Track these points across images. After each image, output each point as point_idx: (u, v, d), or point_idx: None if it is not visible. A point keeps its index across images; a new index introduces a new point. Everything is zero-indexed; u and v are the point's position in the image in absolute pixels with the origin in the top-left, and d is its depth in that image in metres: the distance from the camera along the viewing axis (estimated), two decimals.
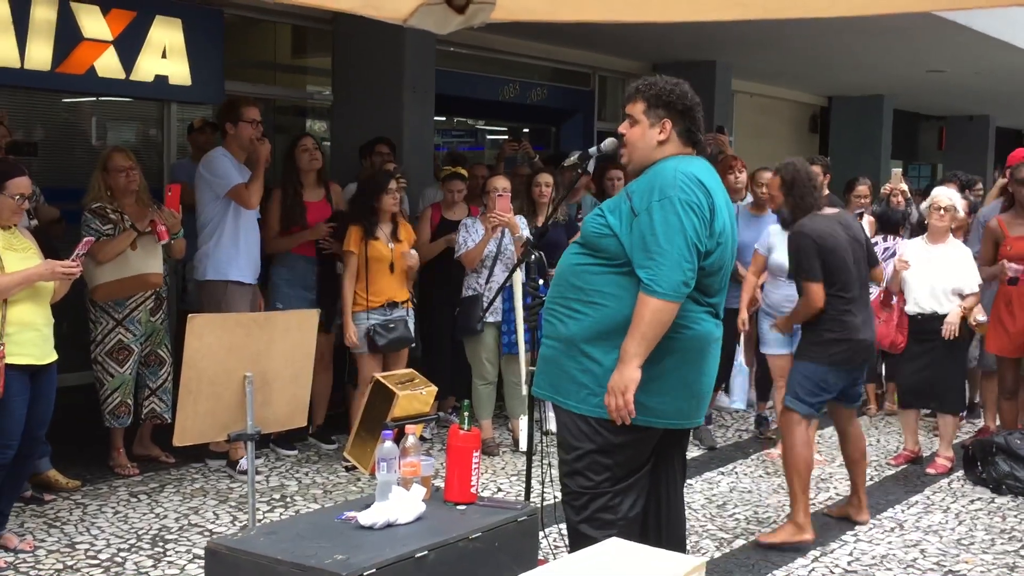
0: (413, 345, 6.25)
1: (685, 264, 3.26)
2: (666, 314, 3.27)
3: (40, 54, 6.57)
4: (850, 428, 5.31)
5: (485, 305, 6.18)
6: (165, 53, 7.19)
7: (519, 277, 4.90)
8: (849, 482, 5.44)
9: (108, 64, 6.88)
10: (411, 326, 6.16)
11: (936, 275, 6.19)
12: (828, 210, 5.14)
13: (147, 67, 7.08)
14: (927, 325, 6.22)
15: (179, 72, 7.29)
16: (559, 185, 6.78)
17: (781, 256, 5.61)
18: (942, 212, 6.24)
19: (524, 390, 5.23)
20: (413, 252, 6.14)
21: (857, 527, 5.29)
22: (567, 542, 3.73)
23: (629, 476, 3.50)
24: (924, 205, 6.61)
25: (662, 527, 3.66)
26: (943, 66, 12.07)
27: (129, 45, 6.94)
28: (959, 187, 7.50)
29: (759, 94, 14.00)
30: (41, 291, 4.48)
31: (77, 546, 4.74)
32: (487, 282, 6.32)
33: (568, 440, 3.52)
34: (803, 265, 4.94)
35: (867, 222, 7.56)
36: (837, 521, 5.35)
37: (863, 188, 7.73)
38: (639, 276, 3.29)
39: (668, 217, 3.27)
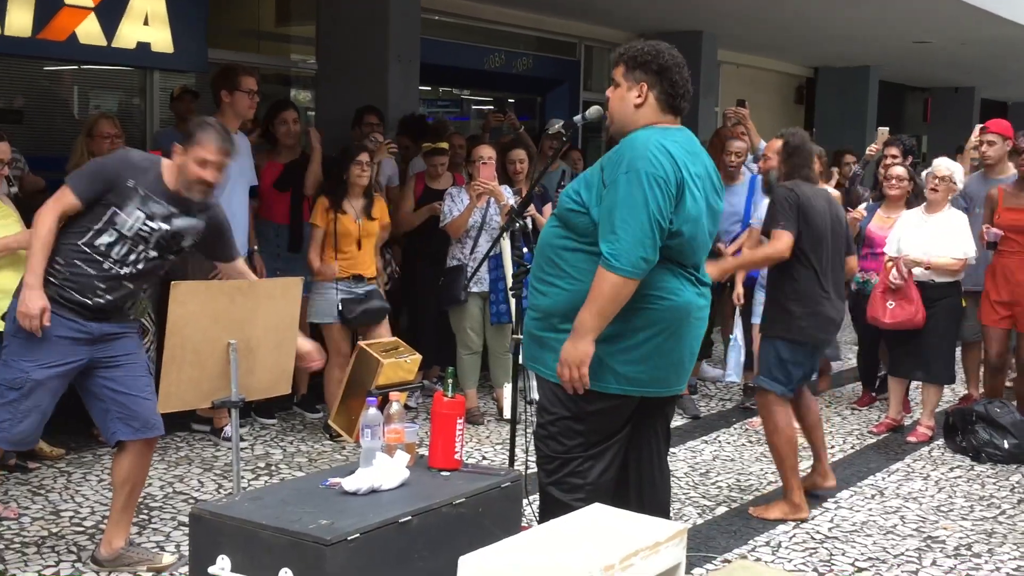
0: (389, 309, 6.21)
1: (647, 241, 3.22)
2: (625, 289, 3.25)
3: (20, 20, 6.48)
4: (801, 398, 5.27)
5: (469, 275, 6.17)
6: (147, 20, 7.09)
7: (507, 245, 4.89)
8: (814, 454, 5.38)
9: (89, 31, 6.80)
10: (383, 295, 6.18)
11: (930, 244, 6.21)
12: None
13: (129, 34, 7.00)
14: (921, 294, 6.23)
15: (161, 39, 7.20)
16: (535, 157, 6.73)
17: None
18: (937, 182, 6.25)
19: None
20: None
21: (839, 495, 5.33)
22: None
23: (601, 443, 3.52)
24: (924, 174, 6.61)
25: (644, 493, 3.69)
26: (929, 37, 12.07)
27: (111, 11, 6.85)
28: (902, 152, 7.39)
29: (745, 65, 13.98)
30: (22, 259, 4.45)
31: (62, 514, 4.74)
32: (471, 252, 6.31)
33: (545, 405, 3.56)
34: (780, 215, 4.84)
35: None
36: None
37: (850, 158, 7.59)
38: (601, 249, 3.26)
39: (633, 191, 3.23)
